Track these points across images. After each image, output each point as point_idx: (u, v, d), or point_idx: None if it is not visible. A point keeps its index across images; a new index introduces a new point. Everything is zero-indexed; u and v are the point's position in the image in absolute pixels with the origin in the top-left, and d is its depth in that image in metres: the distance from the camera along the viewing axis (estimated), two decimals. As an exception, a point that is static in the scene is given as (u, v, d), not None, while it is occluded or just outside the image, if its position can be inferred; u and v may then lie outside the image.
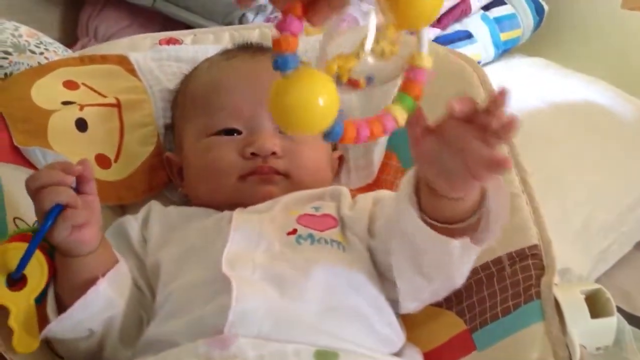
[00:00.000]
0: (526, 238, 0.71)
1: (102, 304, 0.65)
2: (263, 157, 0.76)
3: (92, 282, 0.64)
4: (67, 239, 0.63)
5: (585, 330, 0.64)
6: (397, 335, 0.69)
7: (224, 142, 0.78)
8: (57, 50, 1.15)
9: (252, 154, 0.76)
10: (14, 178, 0.76)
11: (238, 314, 0.61)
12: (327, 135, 0.48)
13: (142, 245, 0.75)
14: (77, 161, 0.65)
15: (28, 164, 0.79)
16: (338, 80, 0.48)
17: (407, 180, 0.62)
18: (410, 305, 0.68)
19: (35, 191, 0.62)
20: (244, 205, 0.75)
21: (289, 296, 0.64)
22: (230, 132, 0.79)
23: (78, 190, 0.64)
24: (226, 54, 0.88)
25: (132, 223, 0.77)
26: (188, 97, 0.86)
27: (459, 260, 0.62)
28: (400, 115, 0.51)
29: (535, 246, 0.70)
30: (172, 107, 0.90)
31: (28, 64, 1.06)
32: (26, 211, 0.74)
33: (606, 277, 1.17)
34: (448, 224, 0.59)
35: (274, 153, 0.77)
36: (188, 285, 0.67)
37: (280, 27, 0.45)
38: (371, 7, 0.49)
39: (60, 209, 0.61)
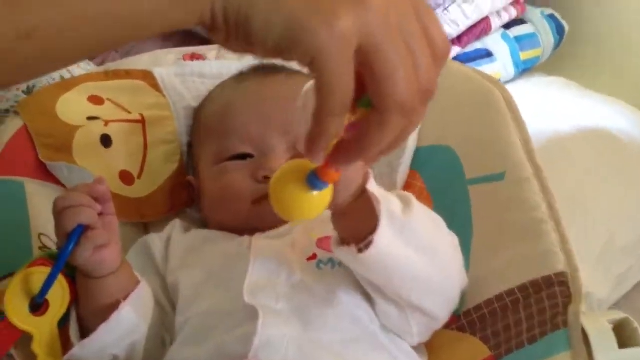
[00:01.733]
0: (553, 265, 0.69)
1: (125, 328, 0.64)
2: None
3: (114, 305, 0.64)
4: (89, 260, 0.63)
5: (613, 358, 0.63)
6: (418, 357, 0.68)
7: (236, 167, 0.77)
8: (79, 63, 1.16)
9: (265, 177, 0.75)
10: (39, 194, 0.77)
11: (264, 340, 0.60)
12: None
13: (165, 264, 0.75)
14: (95, 179, 0.66)
15: (53, 179, 0.80)
16: None
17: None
18: (409, 340, 0.68)
19: (59, 211, 0.62)
20: (261, 229, 0.74)
21: (313, 327, 0.63)
22: (242, 156, 0.78)
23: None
24: (238, 77, 0.88)
25: (156, 241, 0.77)
26: (202, 124, 0.86)
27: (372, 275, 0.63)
28: None
29: (562, 273, 0.68)
30: (190, 134, 0.90)
31: (50, 77, 1.07)
32: (51, 227, 0.73)
33: (625, 300, 1.15)
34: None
35: None
36: (208, 312, 0.66)
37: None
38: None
39: (81, 229, 0.61)
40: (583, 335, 0.63)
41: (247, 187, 0.75)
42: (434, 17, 0.43)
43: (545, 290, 0.68)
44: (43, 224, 0.74)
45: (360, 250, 0.59)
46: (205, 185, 0.81)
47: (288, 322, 0.63)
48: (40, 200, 0.76)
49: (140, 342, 0.67)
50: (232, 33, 0.41)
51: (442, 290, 0.66)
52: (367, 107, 0.43)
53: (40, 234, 0.74)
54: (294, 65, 0.88)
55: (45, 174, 0.79)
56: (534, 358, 0.65)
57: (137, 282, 0.67)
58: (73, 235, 0.61)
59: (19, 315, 0.61)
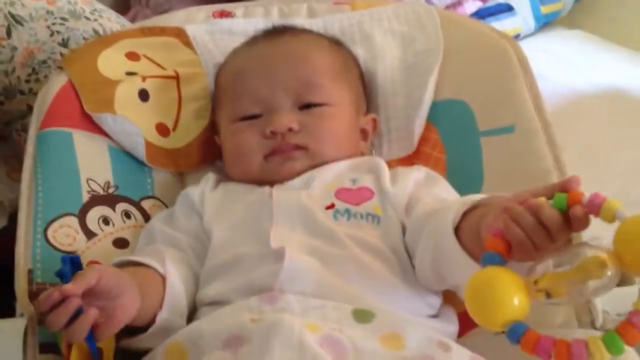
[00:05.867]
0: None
1: (166, 328, 0.69)
2: (281, 135, 0.81)
3: (153, 319, 0.68)
4: (111, 332, 0.64)
5: (607, 296, 0.68)
6: (435, 298, 0.74)
7: (247, 126, 0.83)
8: (111, 17, 1.19)
9: (272, 132, 0.81)
10: (85, 144, 0.85)
11: (288, 274, 0.68)
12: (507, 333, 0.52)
13: (202, 209, 0.81)
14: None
15: (97, 130, 0.87)
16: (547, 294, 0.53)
17: (461, 205, 0.65)
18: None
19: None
20: (276, 181, 0.80)
21: (332, 269, 0.70)
22: (254, 116, 0.84)
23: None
24: (249, 41, 0.92)
25: (194, 191, 0.84)
26: (220, 88, 0.91)
27: None
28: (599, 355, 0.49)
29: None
30: (212, 99, 0.94)
31: (83, 30, 1.12)
32: (97, 173, 0.85)
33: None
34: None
35: (290, 129, 0.81)
36: (237, 256, 0.73)
37: None
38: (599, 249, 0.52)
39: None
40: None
41: (257, 144, 0.82)
42: None
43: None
44: (90, 170, 0.84)
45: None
46: (223, 145, 0.88)
47: (309, 263, 0.70)
48: (86, 149, 0.85)
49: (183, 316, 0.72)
50: None
51: None
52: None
53: (88, 179, 0.83)
54: (300, 24, 0.92)
55: (90, 125, 0.87)
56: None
57: (163, 283, 0.70)
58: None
59: None
